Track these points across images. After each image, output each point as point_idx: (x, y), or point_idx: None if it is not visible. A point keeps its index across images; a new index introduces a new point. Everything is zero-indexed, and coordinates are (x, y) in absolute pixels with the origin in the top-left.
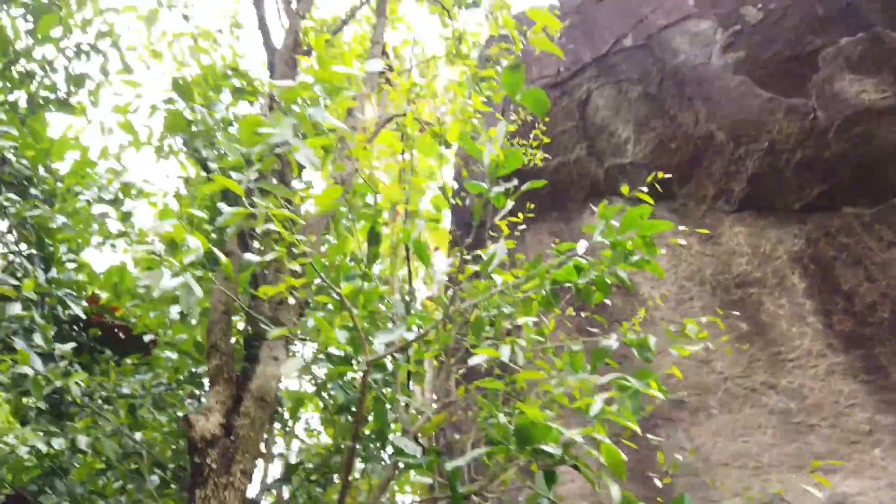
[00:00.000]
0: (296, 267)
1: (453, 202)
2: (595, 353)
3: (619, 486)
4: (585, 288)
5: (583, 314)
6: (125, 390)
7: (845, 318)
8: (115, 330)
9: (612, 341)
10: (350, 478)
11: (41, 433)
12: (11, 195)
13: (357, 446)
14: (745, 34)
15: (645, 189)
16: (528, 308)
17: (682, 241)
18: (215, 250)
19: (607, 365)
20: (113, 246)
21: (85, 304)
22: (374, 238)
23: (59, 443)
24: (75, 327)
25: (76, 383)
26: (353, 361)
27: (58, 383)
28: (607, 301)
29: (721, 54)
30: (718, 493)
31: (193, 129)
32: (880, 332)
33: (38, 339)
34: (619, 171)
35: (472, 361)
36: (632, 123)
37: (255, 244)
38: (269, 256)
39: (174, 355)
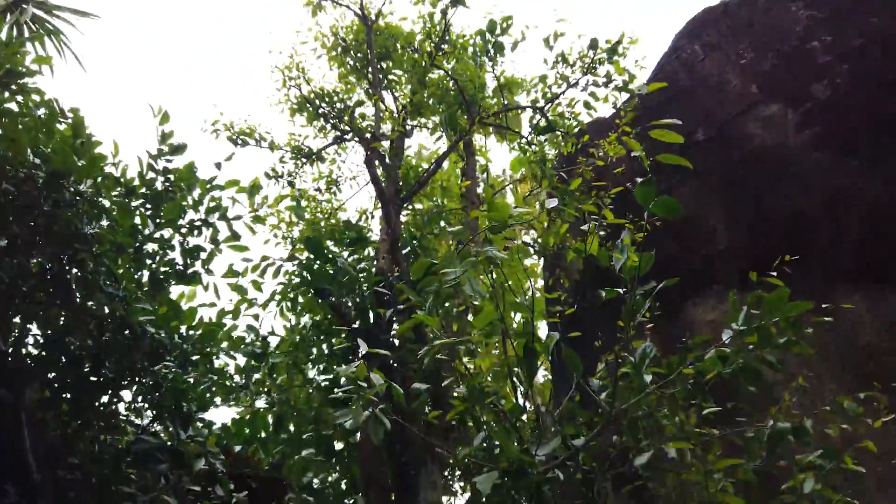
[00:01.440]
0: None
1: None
2: (771, 436)
3: None
4: (730, 377)
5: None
6: None
7: None
8: (248, 479)
9: (783, 424)
10: None
11: None
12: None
13: None
14: (816, 111)
15: (773, 273)
16: (674, 405)
17: (828, 318)
18: (392, 383)
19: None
20: (236, 401)
21: (223, 458)
22: (530, 354)
23: None
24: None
25: None
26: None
27: None
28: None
29: (797, 132)
30: None
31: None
32: None
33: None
34: (713, 261)
35: (639, 462)
36: (718, 212)
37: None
38: (444, 383)
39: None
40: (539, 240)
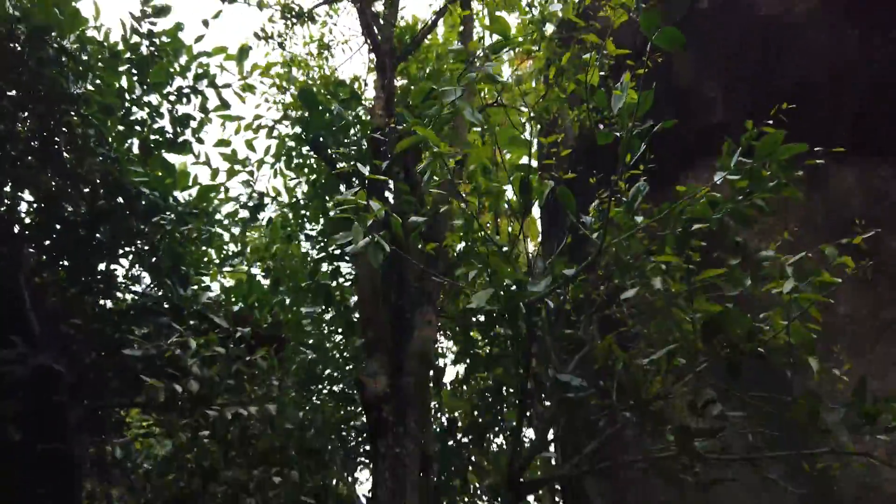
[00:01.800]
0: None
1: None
2: (755, 261)
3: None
4: (721, 225)
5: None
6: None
7: None
8: (247, 337)
9: (766, 252)
10: (525, 416)
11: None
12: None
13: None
14: None
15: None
16: (662, 249)
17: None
18: (390, 211)
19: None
20: (232, 266)
21: (221, 316)
22: (525, 188)
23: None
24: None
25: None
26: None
27: None
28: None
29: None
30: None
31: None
32: None
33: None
34: (710, 133)
35: (625, 295)
36: (719, 83)
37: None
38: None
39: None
40: (535, 107)
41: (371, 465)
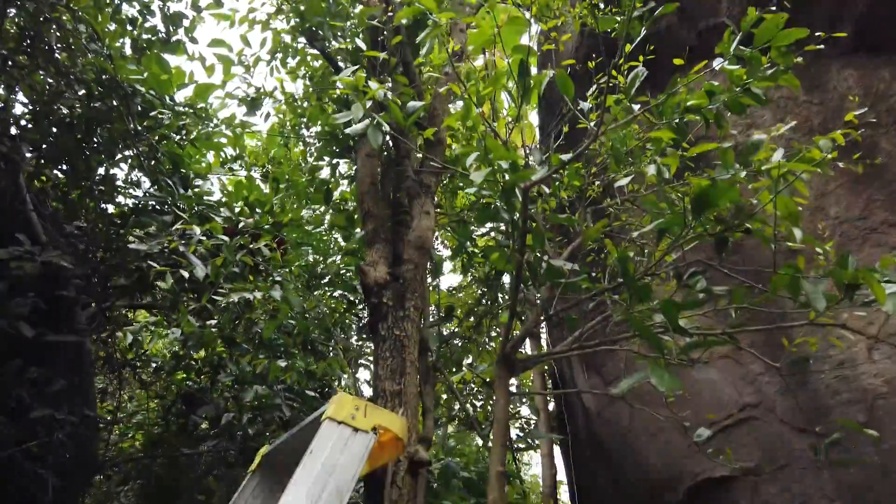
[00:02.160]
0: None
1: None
2: (746, 148)
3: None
4: (716, 116)
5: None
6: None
7: None
8: (247, 235)
9: (758, 136)
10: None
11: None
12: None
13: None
14: None
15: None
16: (658, 142)
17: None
18: (388, 93)
19: None
20: (231, 170)
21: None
22: (524, 70)
23: (255, 295)
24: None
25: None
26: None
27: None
28: (714, 159)
29: None
30: (838, 330)
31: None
32: None
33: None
34: (712, 33)
35: (619, 183)
36: None
37: None
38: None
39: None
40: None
41: (371, 356)
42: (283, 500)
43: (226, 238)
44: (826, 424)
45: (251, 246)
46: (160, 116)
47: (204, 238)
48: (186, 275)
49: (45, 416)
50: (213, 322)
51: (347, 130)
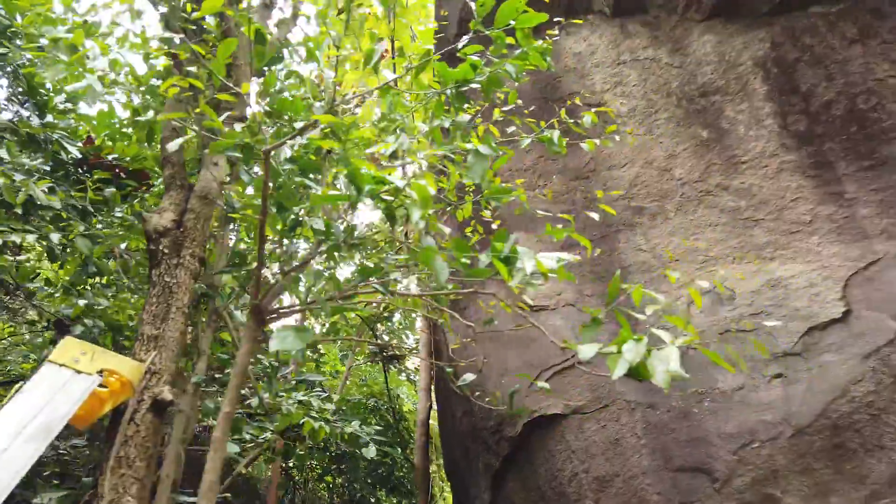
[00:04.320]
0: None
1: None
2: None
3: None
4: (486, 87)
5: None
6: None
7: (800, 117)
8: (116, 170)
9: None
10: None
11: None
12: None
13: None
14: None
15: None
16: (439, 108)
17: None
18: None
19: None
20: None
21: (80, 146)
22: None
23: (32, 238)
24: (80, 169)
25: (44, 191)
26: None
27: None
28: (579, 119)
29: None
30: (667, 284)
31: None
32: (831, 129)
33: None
34: None
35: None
36: None
37: None
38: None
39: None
40: None
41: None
42: None
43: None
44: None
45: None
46: (10, 33)
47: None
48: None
49: None
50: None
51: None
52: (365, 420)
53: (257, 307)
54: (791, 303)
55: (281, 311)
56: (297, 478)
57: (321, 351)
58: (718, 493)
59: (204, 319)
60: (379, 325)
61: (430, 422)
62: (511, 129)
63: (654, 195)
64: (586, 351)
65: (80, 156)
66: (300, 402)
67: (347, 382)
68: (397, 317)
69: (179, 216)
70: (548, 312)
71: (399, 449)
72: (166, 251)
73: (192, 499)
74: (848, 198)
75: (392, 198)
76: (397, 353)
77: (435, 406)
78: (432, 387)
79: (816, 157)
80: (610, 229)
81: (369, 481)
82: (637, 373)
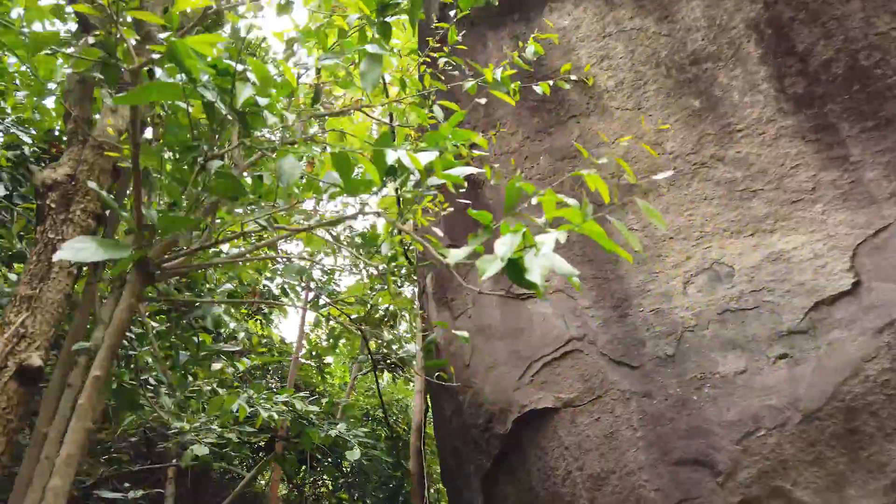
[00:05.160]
0: None
1: None
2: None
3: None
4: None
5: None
6: None
7: (798, 79)
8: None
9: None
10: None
11: None
12: None
13: None
14: None
15: None
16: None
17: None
18: None
19: (572, 159)
20: None
21: None
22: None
23: None
24: None
25: None
26: None
27: None
28: (565, 97)
29: None
30: (661, 264)
31: None
32: (832, 89)
33: None
34: None
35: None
36: None
37: None
38: None
39: None
40: None
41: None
42: None
43: None
44: (639, 356)
45: None
46: None
47: None
48: None
49: None
50: None
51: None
52: (373, 431)
53: (142, 261)
54: (795, 277)
55: (173, 264)
56: (307, 493)
57: (326, 360)
58: (722, 488)
59: (108, 285)
60: (385, 334)
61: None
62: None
63: (644, 171)
64: (455, 255)
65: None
66: (284, 403)
67: (354, 392)
68: (404, 326)
69: (75, 171)
70: (535, 300)
71: (403, 461)
72: (53, 206)
73: None
74: (853, 161)
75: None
76: (396, 361)
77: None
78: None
79: (817, 121)
80: (600, 209)
81: (381, 496)
82: (515, 274)
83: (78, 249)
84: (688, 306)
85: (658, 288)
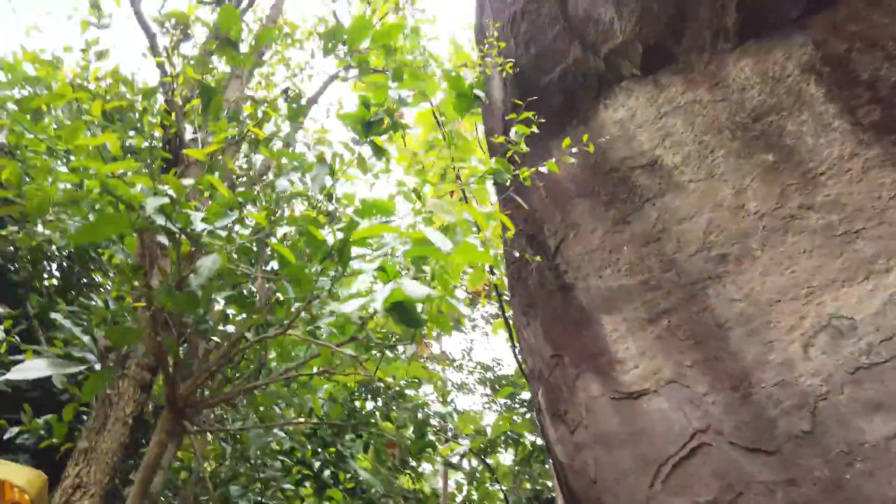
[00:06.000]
0: None
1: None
2: None
3: None
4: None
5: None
6: None
7: (872, 107)
8: None
9: None
10: None
11: None
12: None
13: None
14: None
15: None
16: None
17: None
18: None
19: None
20: None
21: None
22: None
23: None
24: None
25: None
26: None
27: None
28: (635, 183)
29: None
30: (774, 331)
31: None
32: None
33: None
34: (616, 55)
35: None
36: (611, 1)
37: None
38: None
39: None
40: None
41: None
42: None
43: None
44: (773, 439)
45: None
46: None
47: None
48: None
49: None
50: None
51: None
52: None
53: (172, 396)
54: None
55: (206, 401)
56: None
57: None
58: None
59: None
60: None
61: None
62: None
63: (733, 237)
64: (350, 305)
65: None
66: None
67: None
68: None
69: None
70: (649, 396)
71: None
72: (111, 365)
73: None
74: None
75: None
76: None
77: None
78: None
79: None
80: (696, 287)
81: None
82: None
83: (27, 370)
84: (814, 372)
85: (777, 357)
